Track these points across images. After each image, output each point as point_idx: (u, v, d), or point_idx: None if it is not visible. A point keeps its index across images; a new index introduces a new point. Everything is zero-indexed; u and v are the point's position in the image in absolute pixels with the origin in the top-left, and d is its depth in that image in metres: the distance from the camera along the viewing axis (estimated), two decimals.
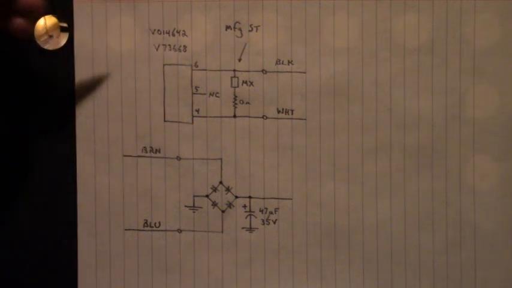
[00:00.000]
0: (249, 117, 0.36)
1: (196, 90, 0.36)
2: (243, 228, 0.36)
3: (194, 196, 0.36)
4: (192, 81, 0.36)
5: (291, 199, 0.35)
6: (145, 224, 0.36)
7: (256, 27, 0.35)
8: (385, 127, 0.35)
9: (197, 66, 0.36)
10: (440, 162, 0.34)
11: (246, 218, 0.36)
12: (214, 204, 0.36)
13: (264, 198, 0.36)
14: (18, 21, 0.33)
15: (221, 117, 0.36)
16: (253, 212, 0.36)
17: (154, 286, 0.36)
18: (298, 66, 0.35)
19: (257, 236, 0.36)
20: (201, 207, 0.36)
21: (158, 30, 0.36)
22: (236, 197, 0.36)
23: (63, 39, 0.37)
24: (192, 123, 0.36)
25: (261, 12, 0.35)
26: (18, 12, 0.32)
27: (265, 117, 0.35)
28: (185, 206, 0.36)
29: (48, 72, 0.37)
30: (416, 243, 0.35)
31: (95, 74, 0.37)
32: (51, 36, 0.37)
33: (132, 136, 0.36)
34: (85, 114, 0.37)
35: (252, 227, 0.36)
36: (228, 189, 0.36)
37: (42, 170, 0.37)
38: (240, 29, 0.35)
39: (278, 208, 0.36)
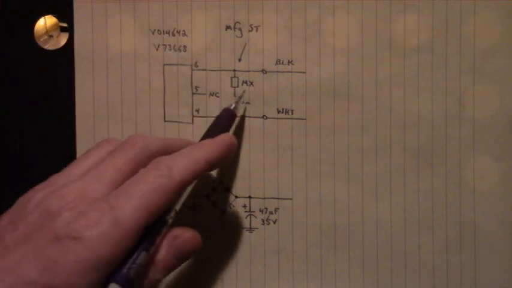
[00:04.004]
0: (249, 117, 0.36)
1: (196, 90, 0.36)
2: (243, 228, 0.36)
3: (194, 196, 0.36)
4: (192, 81, 0.36)
5: (291, 199, 0.35)
6: None
7: (256, 27, 0.35)
8: (385, 127, 0.35)
9: (197, 66, 0.36)
10: (440, 162, 0.34)
11: (246, 218, 0.36)
12: (214, 204, 0.36)
13: (264, 198, 0.36)
14: None
15: None
16: (253, 212, 0.36)
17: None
18: (298, 66, 0.35)
19: (257, 236, 0.36)
20: (201, 207, 0.36)
21: (158, 30, 0.36)
22: (236, 197, 0.36)
23: (63, 39, 0.37)
24: (192, 123, 0.36)
25: (261, 12, 0.35)
26: None
27: (265, 117, 0.35)
28: (185, 206, 0.36)
29: (48, 72, 0.37)
30: (416, 243, 0.35)
31: (95, 74, 0.37)
32: (51, 36, 0.37)
33: None
34: (85, 114, 0.37)
35: (252, 227, 0.36)
36: (228, 189, 0.36)
37: (42, 170, 0.37)
38: (240, 29, 0.35)
39: (278, 208, 0.36)
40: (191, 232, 0.28)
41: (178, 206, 0.28)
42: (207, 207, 0.36)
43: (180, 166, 0.27)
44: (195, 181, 0.29)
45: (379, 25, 0.34)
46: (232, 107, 0.34)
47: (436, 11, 0.34)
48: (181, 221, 0.36)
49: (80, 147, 0.37)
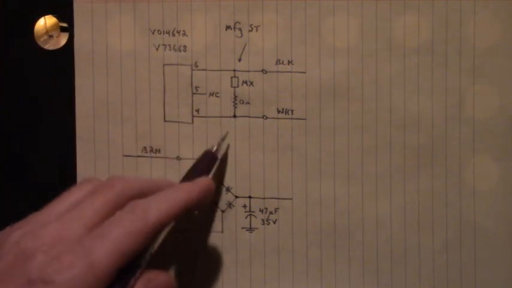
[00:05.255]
0: (249, 117, 0.36)
1: (196, 90, 0.36)
2: (243, 228, 0.36)
3: None
4: (192, 81, 0.36)
5: (291, 199, 0.35)
6: None
7: (256, 27, 0.35)
8: (385, 127, 0.35)
9: (197, 66, 0.36)
10: (440, 162, 0.34)
11: (246, 218, 0.36)
12: (214, 204, 0.36)
13: (264, 198, 0.36)
14: None
15: (221, 117, 0.36)
16: (253, 212, 0.36)
17: None
18: (298, 66, 0.35)
19: (257, 236, 0.36)
20: (201, 207, 0.36)
21: (158, 30, 0.36)
22: (236, 197, 0.36)
23: (63, 39, 0.37)
24: (192, 123, 0.36)
25: (261, 12, 0.35)
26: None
27: (265, 117, 0.35)
28: None
29: (48, 72, 0.37)
30: (416, 243, 0.35)
31: (95, 74, 0.37)
32: (51, 36, 0.37)
33: (132, 136, 0.36)
34: (85, 114, 0.37)
35: (252, 227, 0.36)
36: (228, 189, 0.36)
37: (42, 170, 0.37)
38: (240, 29, 0.35)
39: (278, 208, 0.36)
40: (165, 276, 0.28)
41: (153, 249, 0.28)
42: (207, 207, 0.36)
43: (155, 209, 0.27)
44: (172, 223, 0.29)
45: (379, 25, 0.34)
46: (214, 150, 0.34)
47: (436, 11, 0.34)
48: (181, 221, 0.36)
49: (80, 147, 0.37)
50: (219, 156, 0.34)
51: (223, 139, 0.35)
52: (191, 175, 0.32)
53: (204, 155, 0.34)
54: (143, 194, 0.28)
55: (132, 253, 0.25)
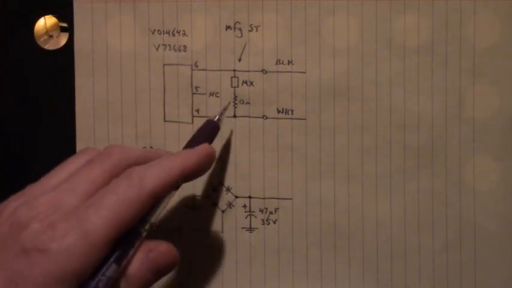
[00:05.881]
0: (249, 117, 0.36)
1: (196, 90, 0.36)
2: (243, 228, 0.36)
3: (194, 196, 0.36)
4: (192, 81, 0.36)
5: (291, 199, 0.35)
6: None
7: (256, 27, 0.35)
8: (385, 127, 0.35)
9: (197, 66, 0.36)
10: (440, 162, 0.34)
11: (246, 218, 0.36)
12: (214, 204, 0.36)
13: (264, 198, 0.36)
14: None
15: None
16: (253, 212, 0.36)
17: (153, 286, 0.36)
18: (298, 66, 0.35)
19: (257, 236, 0.36)
20: (201, 207, 0.36)
21: (158, 30, 0.36)
22: (236, 197, 0.36)
23: (63, 39, 0.37)
24: (192, 123, 0.36)
25: (261, 12, 0.35)
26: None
27: (265, 117, 0.35)
28: (185, 206, 0.36)
29: (48, 72, 0.37)
30: (416, 243, 0.35)
31: (95, 74, 0.37)
32: (51, 36, 0.37)
33: (132, 136, 0.36)
34: (85, 114, 0.37)
35: (252, 227, 0.36)
36: (228, 189, 0.36)
37: (42, 170, 0.37)
38: (240, 29, 0.35)
39: (278, 208, 0.36)
40: (166, 245, 0.27)
41: (153, 218, 0.27)
42: (207, 207, 0.36)
43: (152, 176, 0.26)
44: (174, 191, 0.28)
45: (379, 25, 0.34)
46: (215, 119, 0.33)
47: (436, 11, 0.34)
48: (181, 221, 0.36)
49: (80, 147, 0.37)
50: (221, 125, 0.34)
51: (225, 109, 0.35)
52: (192, 144, 0.31)
53: (206, 123, 0.33)
54: (141, 162, 0.27)
55: (128, 221, 0.25)
